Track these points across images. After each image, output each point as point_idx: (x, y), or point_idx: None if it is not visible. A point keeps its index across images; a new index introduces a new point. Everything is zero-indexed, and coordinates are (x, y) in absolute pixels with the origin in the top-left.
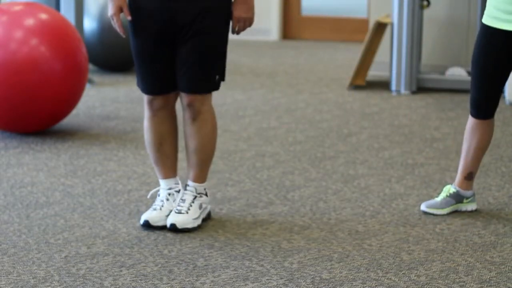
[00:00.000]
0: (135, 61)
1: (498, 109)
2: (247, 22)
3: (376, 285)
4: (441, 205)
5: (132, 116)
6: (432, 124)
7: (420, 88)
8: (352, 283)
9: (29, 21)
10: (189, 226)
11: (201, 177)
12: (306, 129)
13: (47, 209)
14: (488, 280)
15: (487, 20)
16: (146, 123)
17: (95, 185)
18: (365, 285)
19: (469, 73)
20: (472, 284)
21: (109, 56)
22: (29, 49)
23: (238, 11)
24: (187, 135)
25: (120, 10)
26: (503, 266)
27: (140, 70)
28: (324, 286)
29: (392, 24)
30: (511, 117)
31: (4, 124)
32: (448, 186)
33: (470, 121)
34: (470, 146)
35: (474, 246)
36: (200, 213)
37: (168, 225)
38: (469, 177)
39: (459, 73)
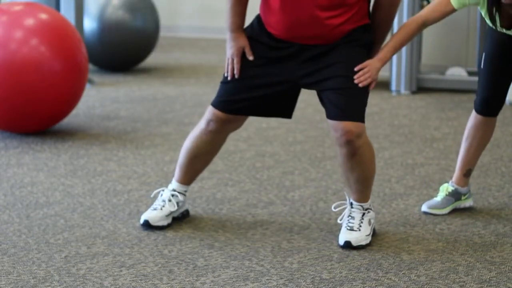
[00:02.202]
0: (228, 83)
1: None
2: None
3: (376, 285)
4: (442, 205)
5: (132, 116)
6: (432, 124)
7: (420, 88)
8: (352, 283)
9: (29, 21)
10: (363, 243)
11: (365, 198)
12: (306, 129)
13: (47, 209)
14: (488, 280)
15: None
16: (194, 133)
17: (95, 185)
18: (365, 285)
19: (469, 73)
20: (472, 284)
21: (109, 56)
22: (29, 49)
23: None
24: (345, 168)
25: (241, 50)
26: (503, 266)
27: (228, 89)
28: (324, 286)
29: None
30: (511, 117)
31: (4, 124)
32: (445, 185)
33: (475, 118)
34: (472, 144)
35: (474, 246)
36: (371, 230)
37: (341, 243)
38: (467, 174)
39: (459, 73)
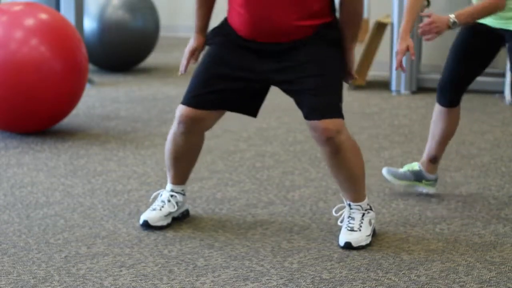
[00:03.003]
0: (198, 71)
1: (498, 109)
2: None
3: (376, 285)
4: (399, 176)
5: (132, 116)
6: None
7: (420, 88)
8: (352, 283)
9: (29, 21)
10: (363, 243)
11: (360, 197)
12: (306, 129)
13: (47, 209)
14: (488, 280)
15: None
16: (170, 135)
17: (95, 185)
18: (365, 285)
19: None
20: (472, 284)
21: (109, 56)
22: (29, 49)
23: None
24: (332, 168)
25: (193, 52)
26: (503, 266)
27: (193, 85)
28: (324, 286)
29: (392, 24)
30: (511, 117)
31: (4, 124)
32: (414, 163)
33: (436, 107)
34: (434, 132)
35: (474, 246)
36: (371, 230)
37: (342, 244)
38: (433, 160)
39: None
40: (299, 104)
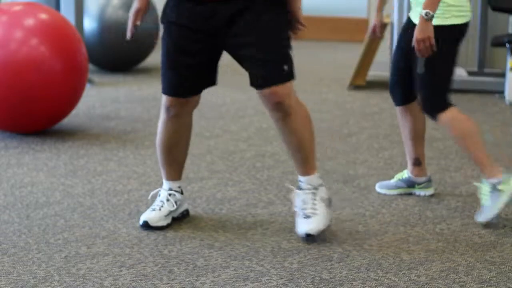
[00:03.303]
0: (163, 63)
1: (498, 109)
2: (301, 25)
3: (376, 285)
4: (392, 187)
5: (132, 116)
6: (432, 124)
7: None
8: (352, 283)
9: (29, 21)
10: (322, 227)
11: (311, 168)
12: None
13: (47, 209)
14: (488, 280)
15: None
16: (160, 125)
17: (95, 185)
18: (365, 285)
19: (469, 73)
20: (472, 284)
21: (109, 56)
22: (29, 49)
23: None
24: (283, 136)
25: (139, 12)
26: (503, 266)
27: (165, 72)
28: (324, 286)
29: (392, 24)
30: (511, 117)
31: (4, 124)
32: (404, 171)
33: (396, 111)
34: (405, 135)
35: (474, 246)
36: (326, 207)
37: (302, 234)
38: (417, 163)
39: (459, 73)
40: (248, 70)
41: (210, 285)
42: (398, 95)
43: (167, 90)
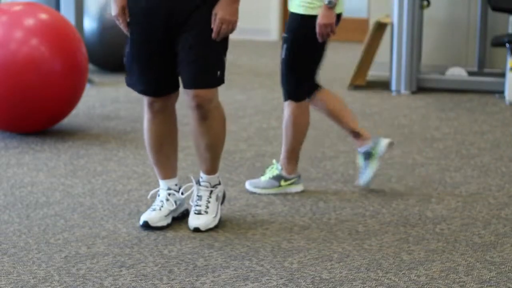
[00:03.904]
0: (131, 61)
1: (498, 109)
2: (231, 25)
3: (376, 285)
4: (264, 185)
5: (132, 116)
6: (432, 124)
7: (420, 88)
8: (352, 283)
9: (29, 21)
10: (211, 225)
11: (214, 169)
12: None
13: (47, 209)
14: (488, 280)
15: (306, 10)
16: (146, 124)
17: (95, 185)
18: (365, 285)
19: (469, 73)
20: (472, 284)
21: (109, 56)
22: (29, 49)
23: (222, 13)
24: (196, 134)
25: (123, 9)
26: (503, 266)
27: (137, 71)
28: (324, 286)
29: (392, 24)
30: (511, 117)
31: (4, 124)
32: (273, 167)
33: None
34: (283, 129)
35: (474, 246)
36: (218, 207)
37: (191, 228)
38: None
39: (459, 73)
40: (179, 70)
41: (210, 285)
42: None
43: (141, 89)
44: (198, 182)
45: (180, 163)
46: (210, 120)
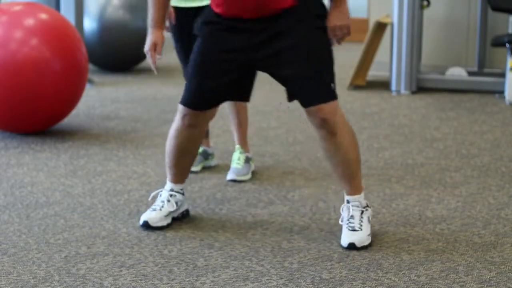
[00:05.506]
0: (191, 73)
1: (498, 109)
2: (344, 29)
3: (376, 285)
4: (246, 171)
5: (132, 116)
6: (432, 124)
7: (420, 88)
8: (352, 283)
9: (29, 21)
10: (366, 243)
11: (357, 188)
12: (306, 129)
13: (47, 209)
14: (488, 280)
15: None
16: (173, 133)
17: (95, 185)
18: (365, 285)
19: (469, 73)
20: (472, 284)
21: (109, 56)
22: (29, 49)
23: (333, 21)
24: (329, 154)
25: (155, 46)
26: (503, 266)
27: (192, 84)
28: (324, 286)
29: (392, 24)
30: (511, 117)
31: (4, 124)
32: (240, 151)
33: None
34: (240, 114)
35: (474, 246)
36: (370, 228)
37: (345, 245)
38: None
39: (459, 73)
40: (291, 91)
41: (210, 285)
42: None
43: (186, 101)
44: (348, 201)
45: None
46: (339, 135)
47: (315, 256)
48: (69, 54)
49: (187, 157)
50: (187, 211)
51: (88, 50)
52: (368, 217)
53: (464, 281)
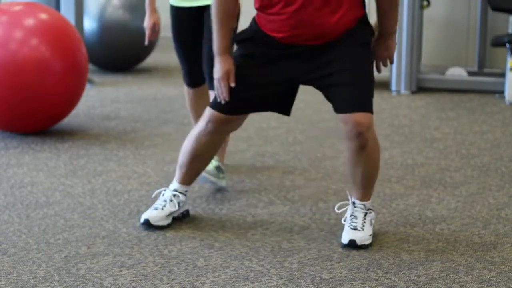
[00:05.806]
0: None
1: (498, 109)
2: (390, 60)
3: (376, 285)
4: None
5: (132, 116)
6: (432, 124)
7: (420, 88)
8: (352, 283)
9: (29, 21)
10: (366, 242)
11: (368, 196)
12: (306, 129)
13: (47, 209)
14: (488, 280)
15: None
16: (194, 134)
17: (95, 185)
18: (365, 285)
19: (469, 73)
20: (472, 284)
21: (109, 56)
22: (29, 49)
23: (380, 49)
24: (354, 163)
25: (228, 74)
26: (503, 266)
27: (234, 92)
28: (324, 286)
29: None
30: (511, 117)
31: (4, 124)
32: (215, 162)
33: (187, 92)
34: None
35: (474, 246)
36: (372, 230)
37: (345, 242)
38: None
39: (459, 73)
40: (331, 98)
41: (210, 285)
42: (191, 78)
43: (216, 105)
44: (353, 203)
45: None
46: (368, 149)
47: (315, 256)
48: (69, 54)
49: (201, 162)
50: (187, 211)
51: (88, 50)
52: (371, 220)
53: (464, 281)
